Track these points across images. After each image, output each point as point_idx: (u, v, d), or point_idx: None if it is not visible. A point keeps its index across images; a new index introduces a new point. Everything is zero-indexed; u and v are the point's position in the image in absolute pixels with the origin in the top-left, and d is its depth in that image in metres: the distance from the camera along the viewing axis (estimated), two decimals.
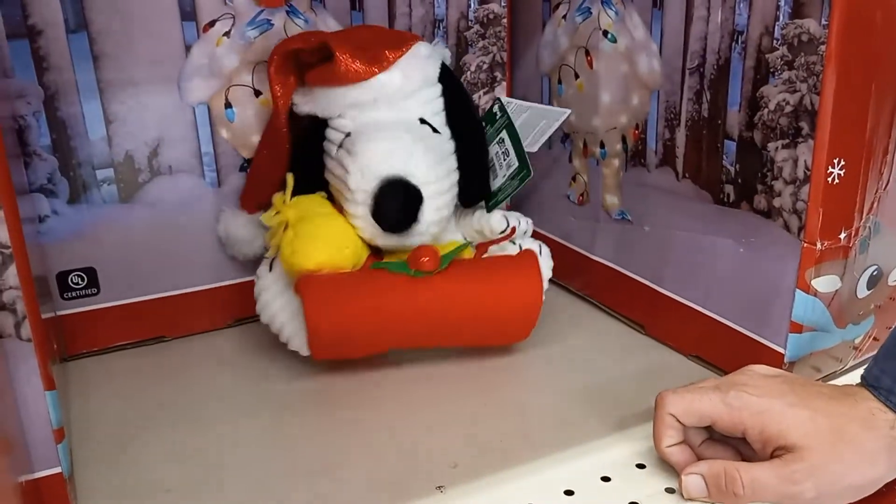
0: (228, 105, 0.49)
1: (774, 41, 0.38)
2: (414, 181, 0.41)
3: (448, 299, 0.42)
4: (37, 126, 0.45)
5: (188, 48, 0.47)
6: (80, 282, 0.48)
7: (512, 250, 0.46)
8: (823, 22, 0.36)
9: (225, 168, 0.50)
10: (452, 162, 0.44)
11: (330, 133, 0.44)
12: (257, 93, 0.49)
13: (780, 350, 0.41)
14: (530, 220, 0.47)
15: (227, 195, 0.50)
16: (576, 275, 0.53)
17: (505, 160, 0.47)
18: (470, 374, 0.46)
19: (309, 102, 0.45)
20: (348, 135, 0.43)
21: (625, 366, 0.47)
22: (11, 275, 0.31)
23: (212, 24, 0.47)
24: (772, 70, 0.39)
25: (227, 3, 0.47)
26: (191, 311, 0.51)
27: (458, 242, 0.46)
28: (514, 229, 0.46)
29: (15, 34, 0.43)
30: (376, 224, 0.42)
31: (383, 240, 0.43)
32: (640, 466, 0.38)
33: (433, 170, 0.42)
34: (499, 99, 0.49)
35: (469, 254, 0.46)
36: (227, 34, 0.47)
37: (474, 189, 0.46)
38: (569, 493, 0.36)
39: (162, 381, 0.46)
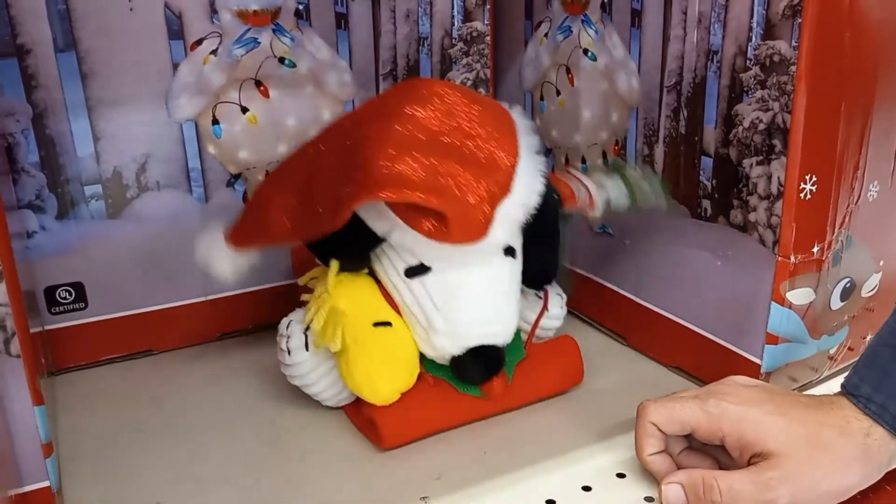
0: (215, 122, 0.49)
1: (748, 61, 0.39)
2: (501, 342, 0.40)
3: (509, 406, 0.44)
4: (25, 143, 0.45)
5: (175, 66, 0.47)
6: (67, 296, 0.49)
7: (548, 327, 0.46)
8: (794, 43, 0.37)
9: (212, 183, 0.50)
10: (518, 299, 0.42)
11: (396, 250, 0.39)
12: (244, 109, 0.50)
13: (757, 361, 0.42)
14: (563, 295, 0.46)
15: (214, 210, 0.50)
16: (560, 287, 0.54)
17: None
18: None
19: (385, 226, 0.38)
20: (426, 269, 0.39)
21: (606, 376, 0.47)
22: (1, 292, 0.31)
23: (199, 42, 0.48)
24: (745, 89, 0.40)
25: (214, 21, 0.48)
26: (178, 325, 0.51)
27: None
28: (545, 307, 0.45)
29: (4, 53, 0.43)
30: (452, 370, 0.40)
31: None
32: (621, 476, 0.39)
33: (515, 315, 0.41)
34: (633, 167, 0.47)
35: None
36: (214, 52, 0.48)
37: (539, 280, 0.44)
38: (550, 502, 0.37)
39: (150, 395, 0.47)
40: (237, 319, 0.53)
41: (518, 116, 0.40)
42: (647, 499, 0.37)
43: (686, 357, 0.47)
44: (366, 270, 0.41)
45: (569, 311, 0.55)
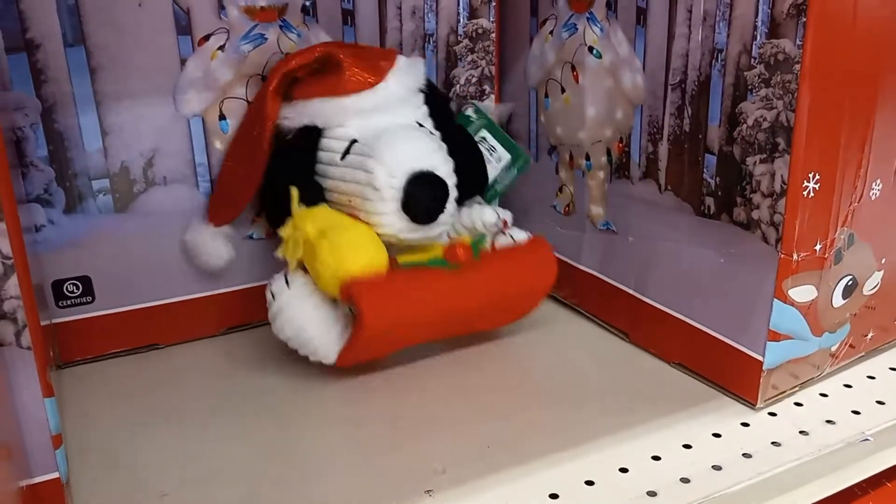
0: (222, 117, 0.49)
1: (752, 59, 0.40)
2: (439, 170, 0.44)
3: (484, 287, 0.46)
4: (34, 137, 0.45)
5: (183, 61, 0.48)
6: (75, 290, 0.49)
7: (506, 242, 0.49)
8: (798, 42, 0.37)
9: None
10: (450, 158, 0.47)
11: (329, 143, 0.46)
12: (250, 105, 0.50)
13: (759, 357, 0.43)
14: (510, 213, 0.50)
15: None
16: (562, 283, 0.54)
17: (493, 155, 0.51)
18: (456, 381, 0.47)
19: (304, 115, 0.46)
20: (354, 141, 0.45)
21: (609, 373, 0.48)
22: (12, 285, 0.32)
23: (207, 38, 0.48)
24: (750, 87, 0.40)
25: (222, 17, 0.48)
26: (184, 319, 0.52)
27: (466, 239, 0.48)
28: (506, 222, 0.48)
29: (13, 47, 0.44)
30: (406, 217, 0.43)
31: (410, 233, 0.44)
32: (623, 470, 0.39)
33: (448, 165, 0.45)
34: (473, 102, 0.51)
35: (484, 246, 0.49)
36: (221, 48, 0.48)
37: (472, 185, 0.49)
38: (553, 496, 0.37)
39: (156, 388, 0.47)
40: (242, 314, 0.53)
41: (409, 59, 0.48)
42: (649, 493, 0.38)
43: (689, 354, 0.47)
44: (324, 206, 0.46)
45: (571, 308, 0.55)
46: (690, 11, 0.43)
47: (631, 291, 0.50)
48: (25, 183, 0.46)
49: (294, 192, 0.44)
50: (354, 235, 0.43)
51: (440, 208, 0.44)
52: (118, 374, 0.49)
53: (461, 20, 0.55)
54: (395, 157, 0.43)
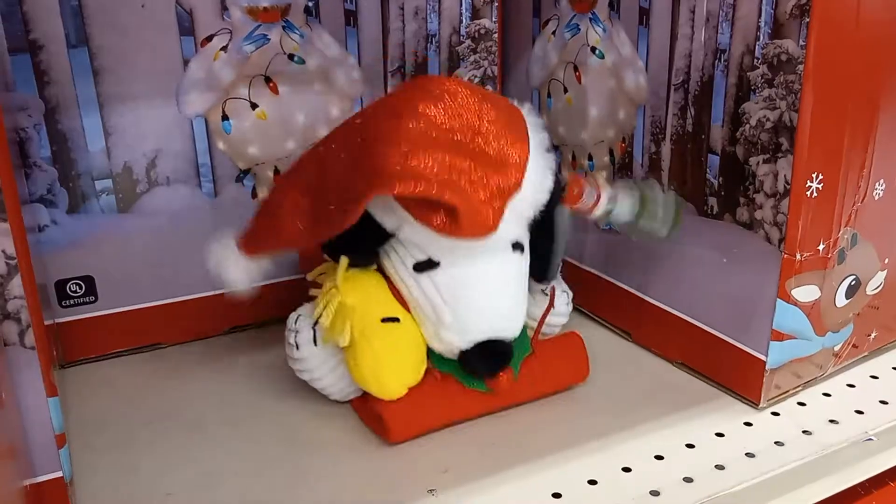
0: (225, 117, 0.50)
1: (755, 60, 0.40)
2: (509, 337, 0.41)
3: (515, 402, 0.44)
4: (37, 138, 0.46)
5: (186, 62, 0.48)
6: (78, 290, 0.49)
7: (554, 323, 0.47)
8: (801, 42, 0.37)
9: (221, 179, 0.51)
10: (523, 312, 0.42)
11: (407, 246, 0.40)
12: (253, 105, 0.50)
13: (762, 357, 0.43)
14: (569, 293, 0.47)
15: (223, 205, 0.51)
16: (566, 283, 0.54)
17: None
18: None
19: (394, 221, 0.39)
20: (435, 264, 0.39)
21: (611, 372, 0.48)
22: (16, 285, 0.32)
23: (209, 38, 0.48)
24: (753, 87, 0.40)
25: (225, 18, 0.48)
26: (187, 318, 0.52)
27: None
28: (552, 301, 0.45)
29: (16, 49, 0.44)
30: (462, 368, 0.41)
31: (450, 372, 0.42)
32: (626, 470, 0.39)
33: (520, 317, 0.41)
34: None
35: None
36: (224, 49, 0.48)
37: (541, 274, 0.44)
38: (556, 495, 0.37)
39: (159, 388, 0.47)
40: (246, 314, 0.53)
41: (528, 113, 0.41)
42: (652, 492, 0.38)
43: (691, 353, 0.47)
44: (374, 266, 0.42)
45: (574, 308, 0.55)
46: (693, 12, 0.43)
47: (634, 291, 0.50)
48: (29, 183, 0.46)
49: (344, 262, 0.40)
50: (399, 351, 0.40)
51: (499, 371, 0.41)
52: (121, 374, 0.49)
53: (464, 21, 0.55)
54: (469, 316, 0.39)
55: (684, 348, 0.47)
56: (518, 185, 0.37)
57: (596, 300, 0.54)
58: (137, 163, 0.48)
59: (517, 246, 0.40)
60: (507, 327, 0.41)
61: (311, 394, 0.45)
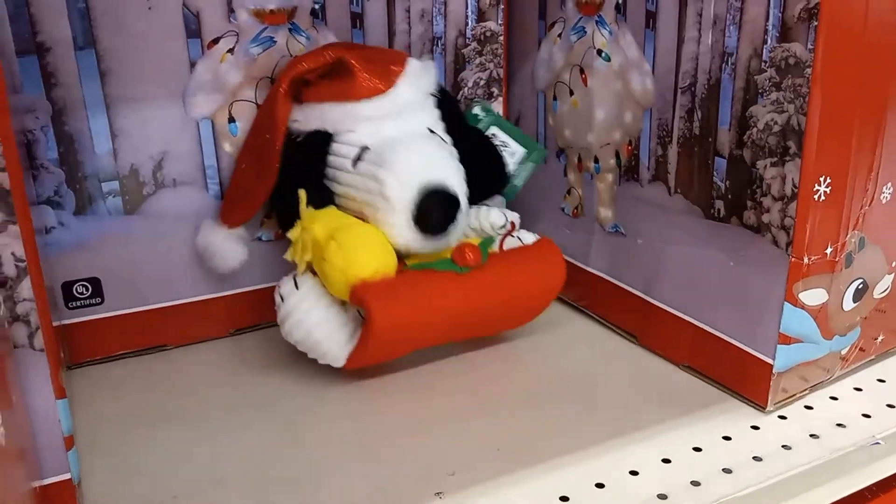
0: (232, 120, 0.50)
1: (763, 63, 0.40)
2: (451, 188, 0.43)
3: (493, 288, 0.46)
4: (45, 140, 0.46)
5: (193, 64, 0.48)
6: (84, 291, 0.49)
7: (514, 244, 0.49)
8: (809, 46, 0.37)
9: (227, 180, 0.51)
10: (461, 167, 0.46)
11: (340, 148, 0.46)
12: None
13: (769, 361, 0.43)
14: (518, 215, 0.50)
15: None
16: (571, 286, 0.54)
17: (505, 151, 0.51)
18: (466, 384, 0.47)
19: (314, 119, 0.46)
20: (365, 148, 0.45)
21: (618, 375, 0.48)
22: (26, 287, 0.32)
23: (216, 41, 0.48)
24: (760, 91, 0.40)
25: (231, 20, 0.48)
26: (192, 320, 0.52)
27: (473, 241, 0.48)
28: (513, 224, 0.48)
29: (24, 50, 0.44)
30: (417, 230, 0.43)
31: (420, 245, 0.44)
32: (634, 473, 0.39)
33: (459, 175, 0.45)
34: (479, 100, 0.52)
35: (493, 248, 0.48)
36: (230, 51, 0.48)
37: (492, 184, 0.50)
38: (564, 499, 0.37)
39: (165, 390, 0.47)
40: (251, 315, 0.53)
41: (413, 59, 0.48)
42: (659, 496, 0.38)
43: (698, 356, 0.47)
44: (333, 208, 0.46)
45: (580, 310, 0.55)
46: (700, 15, 0.43)
47: (640, 294, 0.50)
48: (36, 185, 0.46)
49: (303, 194, 0.44)
50: (363, 237, 0.43)
51: (452, 222, 0.44)
52: (127, 375, 0.49)
53: (469, 23, 0.55)
54: (407, 170, 0.43)
55: (691, 351, 0.47)
56: (401, 67, 0.46)
57: (601, 302, 0.54)
58: (144, 165, 0.48)
59: (432, 132, 0.46)
60: (446, 176, 0.43)
61: (318, 396, 0.45)
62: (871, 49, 0.38)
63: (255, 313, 0.53)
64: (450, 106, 0.49)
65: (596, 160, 0.52)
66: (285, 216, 0.46)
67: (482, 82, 0.57)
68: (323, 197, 0.46)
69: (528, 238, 0.50)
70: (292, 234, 0.44)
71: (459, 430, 0.43)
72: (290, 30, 0.50)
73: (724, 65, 0.42)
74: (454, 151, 0.47)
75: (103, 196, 0.48)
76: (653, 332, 0.50)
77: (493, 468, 0.39)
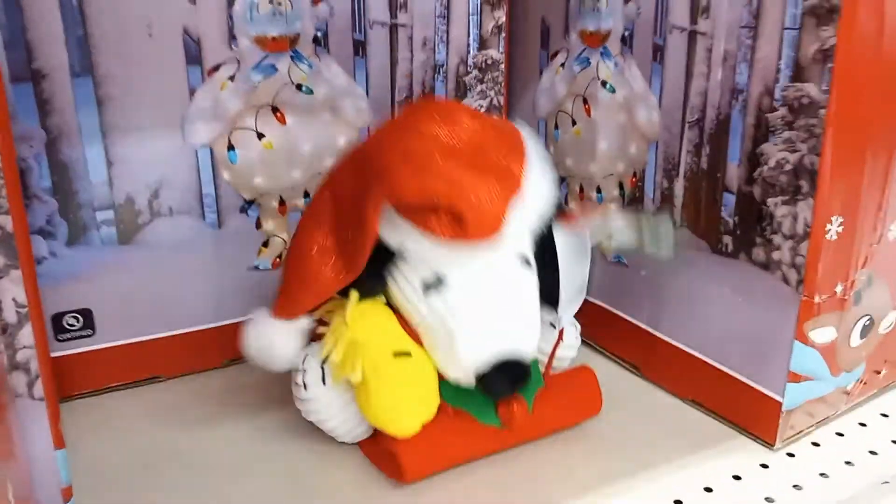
0: (231, 147, 0.49)
1: (774, 102, 0.40)
2: (525, 353, 0.39)
3: (530, 431, 0.43)
4: (38, 169, 0.44)
5: (192, 92, 0.47)
6: (75, 323, 0.48)
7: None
8: (824, 87, 0.37)
9: (225, 209, 0.50)
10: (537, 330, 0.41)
11: (415, 267, 0.39)
12: (260, 136, 0.49)
13: (778, 398, 0.42)
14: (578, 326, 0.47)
15: (227, 235, 0.50)
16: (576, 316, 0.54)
17: None
18: None
19: (398, 237, 0.38)
20: (440, 280, 0.38)
21: (622, 408, 0.47)
22: (26, 334, 0.30)
23: (216, 68, 0.47)
24: (772, 129, 0.40)
25: (233, 47, 0.47)
26: (186, 351, 0.51)
27: None
28: (562, 332, 0.45)
29: (19, 78, 0.42)
30: (478, 387, 0.39)
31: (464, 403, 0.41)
32: None
33: (535, 337, 0.40)
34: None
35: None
36: (231, 78, 0.47)
37: (554, 298, 0.43)
38: None
39: (159, 425, 0.46)
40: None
41: (525, 130, 0.41)
42: None
43: (704, 391, 0.47)
44: (383, 301, 0.41)
45: (582, 341, 0.55)
46: (710, 51, 0.43)
47: (643, 325, 0.50)
48: (28, 215, 0.45)
49: (354, 297, 0.39)
50: (410, 388, 0.39)
51: (517, 389, 0.40)
52: (120, 409, 0.47)
53: (471, 51, 0.54)
54: (482, 335, 0.38)
55: (697, 386, 0.47)
56: (518, 189, 0.37)
57: (603, 333, 0.53)
58: (140, 194, 0.47)
59: (525, 261, 0.40)
60: (523, 346, 0.39)
61: (318, 434, 0.44)
62: (883, 87, 0.38)
63: None
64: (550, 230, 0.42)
65: (598, 190, 0.52)
66: None
67: (483, 109, 0.56)
68: (376, 284, 0.40)
69: (570, 339, 0.45)
70: (331, 331, 0.40)
71: (464, 467, 0.42)
72: (291, 57, 0.49)
73: (733, 101, 0.42)
74: (536, 285, 0.41)
75: (97, 225, 0.47)
76: (657, 364, 0.49)
77: None
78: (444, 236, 0.36)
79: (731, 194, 0.43)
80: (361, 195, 0.37)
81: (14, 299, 0.30)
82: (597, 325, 0.53)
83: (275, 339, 0.40)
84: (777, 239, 0.41)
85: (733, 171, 0.43)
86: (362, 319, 0.40)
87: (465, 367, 0.39)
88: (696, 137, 0.45)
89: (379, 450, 0.41)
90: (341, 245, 0.38)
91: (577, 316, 0.54)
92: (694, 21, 0.44)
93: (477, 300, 0.38)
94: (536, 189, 0.39)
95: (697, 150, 0.45)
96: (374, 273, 0.39)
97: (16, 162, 0.31)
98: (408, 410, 0.39)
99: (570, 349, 0.46)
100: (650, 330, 0.50)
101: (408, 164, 0.36)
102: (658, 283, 0.49)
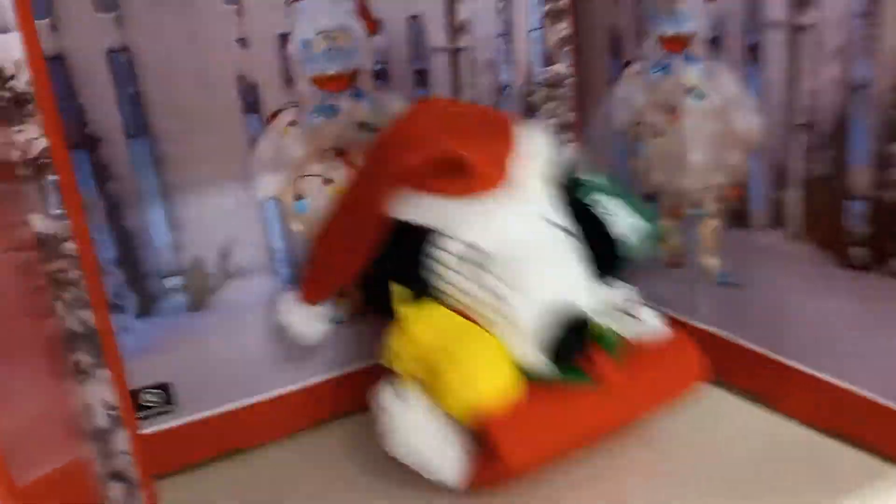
0: (299, 197, 0.46)
1: None
2: (583, 312, 0.37)
3: (629, 401, 0.40)
4: (100, 240, 0.42)
5: (253, 141, 0.44)
6: (154, 399, 0.45)
7: (642, 331, 0.42)
8: None
9: (298, 263, 0.46)
10: (584, 262, 0.41)
11: (448, 244, 0.39)
12: (328, 181, 0.46)
13: None
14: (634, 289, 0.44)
15: None
16: None
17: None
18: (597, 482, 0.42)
19: (417, 212, 0.40)
20: (476, 248, 0.39)
21: (755, 447, 0.43)
22: (122, 439, 0.27)
23: (275, 114, 0.44)
24: None
25: (291, 90, 0.44)
26: (270, 417, 0.47)
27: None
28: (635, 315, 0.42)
29: (74, 144, 0.40)
30: (545, 358, 0.37)
31: (547, 370, 0.38)
32: None
33: (588, 286, 0.39)
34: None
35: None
36: (292, 123, 0.45)
37: (608, 269, 0.42)
38: None
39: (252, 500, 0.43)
40: (332, 404, 0.49)
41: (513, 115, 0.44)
42: None
43: (845, 421, 0.42)
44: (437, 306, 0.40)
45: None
46: (819, 46, 0.38)
47: (763, 351, 0.45)
48: None
49: (398, 290, 0.39)
50: (484, 354, 0.38)
51: (584, 348, 0.38)
52: (209, 488, 0.44)
53: (536, 68, 0.51)
54: (537, 295, 0.37)
55: (835, 415, 0.42)
56: (512, 145, 0.40)
57: (714, 361, 0.49)
58: (208, 255, 0.44)
59: (552, 223, 0.40)
60: (576, 296, 0.38)
61: (423, 494, 0.41)
62: None
63: (338, 402, 0.49)
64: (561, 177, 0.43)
65: (695, 205, 0.48)
66: (375, 295, 0.42)
67: (553, 128, 0.52)
68: (419, 286, 0.40)
69: (654, 323, 0.43)
70: (393, 341, 0.40)
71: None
72: (351, 95, 0.46)
73: (853, 96, 0.38)
74: (575, 244, 0.41)
75: (166, 293, 0.44)
76: (784, 393, 0.45)
77: None
78: (455, 192, 0.39)
79: (860, 201, 0.39)
80: (366, 179, 0.42)
81: (105, 400, 0.27)
82: (704, 352, 0.49)
83: (297, 322, 0.45)
84: None
85: (860, 175, 0.38)
86: (422, 320, 0.39)
87: (527, 335, 0.37)
88: (808, 141, 0.40)
89: (483, 465, 0.38)
90: (351, 231, 0.42)
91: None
92: (795, 14, 0.39)
93: (520, 265, 0.38)
94: (534, 149, 0.41)
95: (810, 154, 0.40)
96: (411, 262, 0.40)
97: (92, 248, 0.28)
98: (487, 375, 0.37)
99: (650, 322, 0.43)
100: (772, 355, 0.45)
101: (408, 142, 0.40)
102: (776, 302, 0.44)
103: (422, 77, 0.48)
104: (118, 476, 0.28)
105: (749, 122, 0.43)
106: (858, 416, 0.41)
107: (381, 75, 0.46)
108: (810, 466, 0.41)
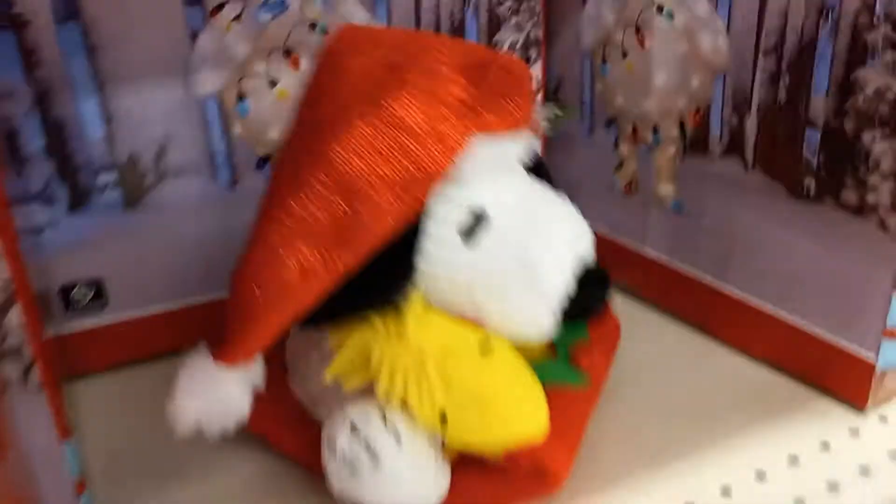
0: (241, 97, 0.43)
1: (875, 19, 0.34)
2: (589, 258, 0.33)
3: (598, 384, 0.37)
4: (28, 128, 0.40)
5: (194, 36, 0.42)
6: (86, 294, 0.44)
7: None
8: None
9: (239, 167, 0.45)
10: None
11: (440, 214, 0.31)
12: (272, 83, 0.44)
13: (871, 357, 0.38)
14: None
15: (242, 197, 0.45)
16: (625, 270, 0.49)
17: None
18: None
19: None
20: (478, 216, 0.31)
21: (690, 372, 0.43)
22: (15, 315, 0.26)
23: (219, 7, 0.42)
24: (871, 51, 0.34)
25: None
26: (200, 324, 0.46)
27: None
28: None
29: None
30: (560, 315, 0.32)
31: (551, 332, 0.32)
32: (726, 493, 0.34)
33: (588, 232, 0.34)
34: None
35: None
36: (237, 18, 0.42)
37: None
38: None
39: None
40: None
41: None
42: None
43: (780, 350, 0.42)
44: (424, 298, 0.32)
45: (633, 296, 0.50)
46: None
47: (709, 280, 0.45)
48: (22, 180, 0.40)
49: (417, 299, 0.31)
50: (520, 377, 0.32)
51: (608, 291, 0.34)
52: (136, 388, 0.44)
53: None
54: (559, 247, 0.31)
55: (772, 345, 0.42)
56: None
57: (661, 289, 0.48)
58: (144, 152, 0.42)
59: (528, 170, 0.34)
60: (587, 245, 0.33)
61: None
62: None
63: None
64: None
65: (655, 130, 0.46)
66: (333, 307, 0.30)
67: (519, 44, 0.50)
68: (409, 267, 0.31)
69: None
70: (378, 364, 0.30)
71: None
72: None
73: (821, 21, 0.36)
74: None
75: (100, 189, 0.42)
76: (724, 322, 0.45)
77: (569, 486, 0.34)
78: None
79: (816, 130, 0.37)
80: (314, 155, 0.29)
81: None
82: (653, 280, 0.48)
83: (222, 392, 0.31)
84: (874, 179, 0.35)
85: (819, 103, 0.37)
86: (428, 325, 0.30)
87: (551, 294, 0.31)
88: (773, 66, 0.39)
89: (511, 478, 0.33)
90: (335, 231, 0.29)
91: (630, 271, 0.49)
92: None
93: (540, 221, 0.32)
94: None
95: (774, 80, 0.39)
96: (403, 254, 0.31)
97: None
98: (537, 404, 0.32)
99: None
100: (717, 285, 0.45)
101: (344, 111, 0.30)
102: (725, 232, 0.43)
103: None
104: (11, 353, 0.26)
105: (716, 43, 0.41)
106: (791, 346, 0.41)
107: None
108: (742, 393, 0.41)
